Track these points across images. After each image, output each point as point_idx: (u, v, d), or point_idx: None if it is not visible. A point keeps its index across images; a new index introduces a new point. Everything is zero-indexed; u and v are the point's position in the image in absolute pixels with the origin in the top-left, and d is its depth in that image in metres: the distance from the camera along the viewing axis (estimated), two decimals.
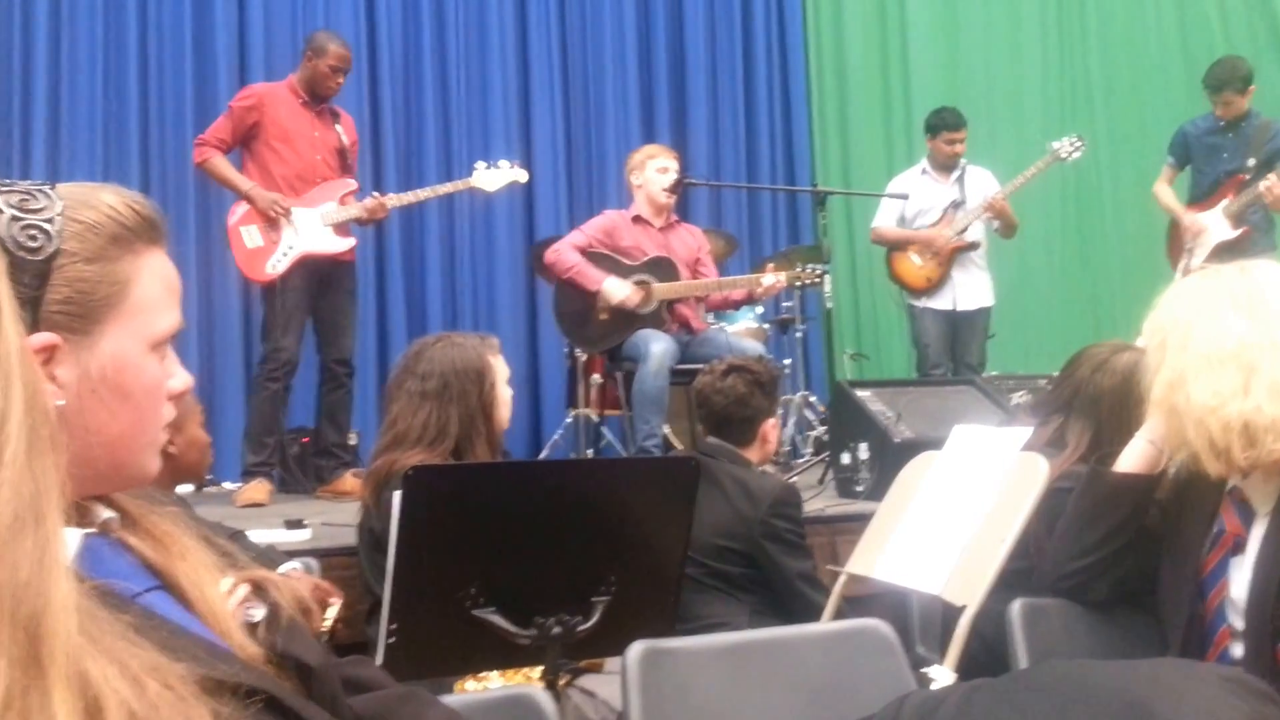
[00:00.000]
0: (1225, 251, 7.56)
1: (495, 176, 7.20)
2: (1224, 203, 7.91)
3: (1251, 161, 7.80)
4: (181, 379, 1.49)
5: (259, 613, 1.51)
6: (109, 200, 1.41)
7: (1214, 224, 7.95)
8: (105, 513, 1.42)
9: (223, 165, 6.79)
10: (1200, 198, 8.15)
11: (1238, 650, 2.56)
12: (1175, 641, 2.67)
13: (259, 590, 1.54)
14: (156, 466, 1.47)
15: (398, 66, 9.50)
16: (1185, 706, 2.01)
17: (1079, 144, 8.27)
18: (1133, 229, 10.30)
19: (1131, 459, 2.87)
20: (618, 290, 7.03)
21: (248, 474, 6.71)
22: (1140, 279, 8.49)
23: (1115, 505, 2.86)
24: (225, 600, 1.48)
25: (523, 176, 7.36)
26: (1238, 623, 2.57)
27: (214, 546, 1.52)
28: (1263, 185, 7.65)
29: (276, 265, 6.65)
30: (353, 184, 7.01)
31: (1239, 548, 2.61)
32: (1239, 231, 7.83)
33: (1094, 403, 3.47)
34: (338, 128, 7.03)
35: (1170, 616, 2.73)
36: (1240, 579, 2.58)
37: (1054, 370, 3.97)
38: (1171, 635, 2.70)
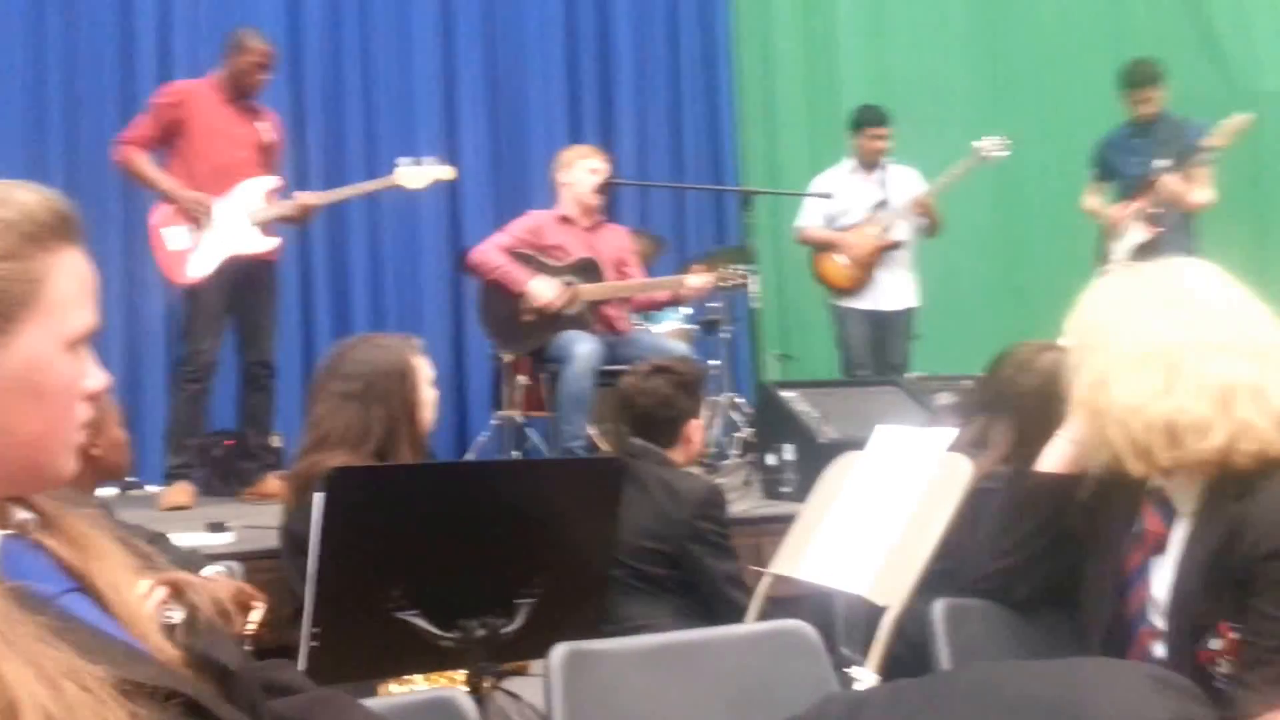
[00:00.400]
0: (1140, 253, 7.63)
1: (420, 174, 7.16)
2: (1137, 206, 7.99)
3: (1162, 163, 7.88)
4: (98, 378, 1.47)
5: (177, 615, 1.50)
6: (23, 197, 1.39)
7: (1130, 229, 8.03)
8: (22, 514, 1.40)
9: (144, 164, 6.73)
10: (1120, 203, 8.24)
11: (1159, 650, 2.57)
12: (1096, 642, 2.68)
13: (177, 592, 1.53)
14: (73, 467, 1.45)
15: (321, 64, 9.43)
16: (1111, 705, 2.02)
17: (1004, 144, 8.31)
18: (1059, 229, 10.32)
19: (1053, 459, 2.88)
20: (544, 290, 7.03)
21: (170, 477, 6.66)
22: (1066, 279, 8.51)
23: (1037, 505, 2.88)
24: (143, 602, 1.46)
25: (448, 173, 7.32)
26: (1159, 623, 2.58)
27: (132, 548, 1.51)
28: (1160, 184, 7.74)
29: (201, 267, 6.59)
30: (276, 181, 6.96)
31: (1160, 548, 2.62)
32: (1150, 234, 7.90)
33: (1017, 403, 3.47)
34: (261, 125, 6.98)
35: (1092, 617, 2.73)
36: (1162, 579, 2.59)
37: (979, 371, 3.98)
38: (1093, 635, 2.70)
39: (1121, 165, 8.25)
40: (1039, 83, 11.57)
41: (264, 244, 6.80)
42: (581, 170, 7.32)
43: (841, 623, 4.16)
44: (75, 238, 1.43)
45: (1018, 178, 11.09)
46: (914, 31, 11.49)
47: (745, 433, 7.96)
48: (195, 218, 6.59)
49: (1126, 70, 8.25)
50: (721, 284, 7.21)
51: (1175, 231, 7.88)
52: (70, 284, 1.40)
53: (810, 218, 8.49)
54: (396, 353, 3.87)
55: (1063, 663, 2.34)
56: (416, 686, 3.44)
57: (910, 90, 10.94)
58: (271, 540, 4.22)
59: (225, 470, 7.21)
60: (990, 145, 8.28)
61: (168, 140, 6.78)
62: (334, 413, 3.77)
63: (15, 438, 1.35)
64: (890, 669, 3.03)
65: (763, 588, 3.81)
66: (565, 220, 7.33)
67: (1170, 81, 8.33)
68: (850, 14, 11.35)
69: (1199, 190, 7.82)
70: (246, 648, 3.01)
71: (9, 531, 1.36)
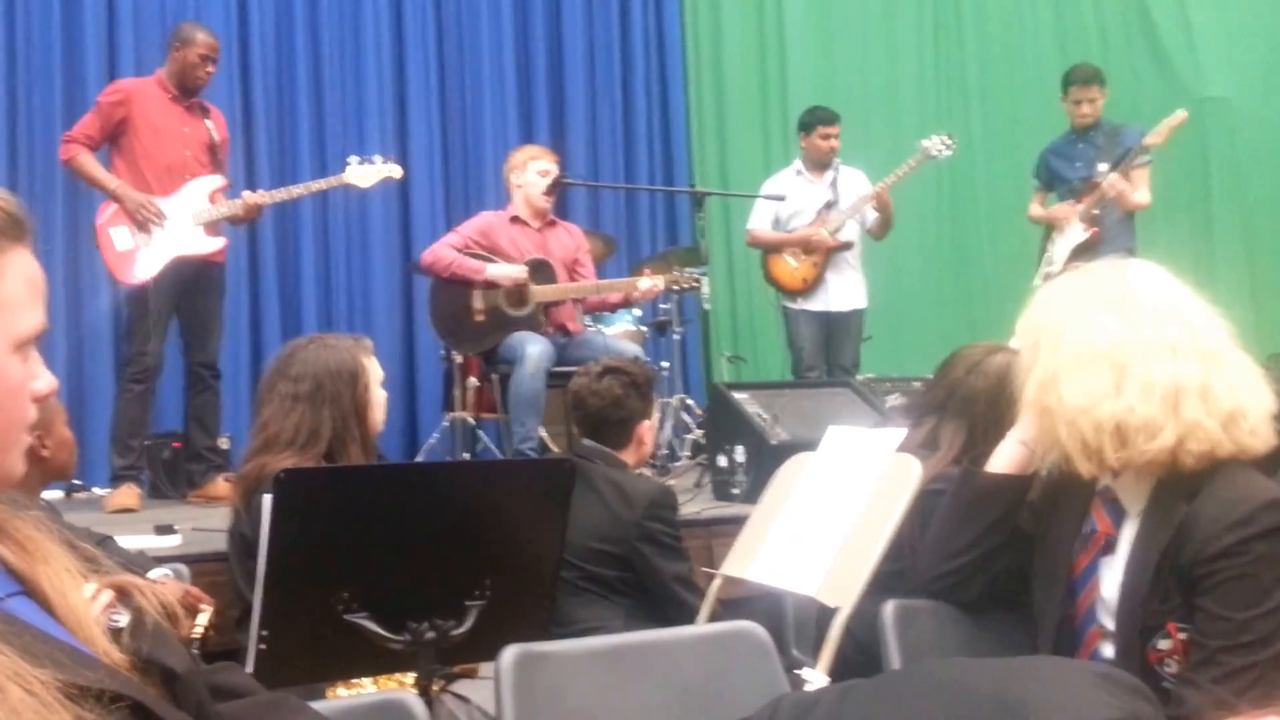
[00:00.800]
0: (1080, 254, 7.68)
1: (369, 172, 7.11)
2: (1080, 208, 8.04)
3: (1104, 166, 7.93)
4: (46, 380, 1.45)
5: (123, 618, 1.48)
6: None
7: (1071, 230, 8.07)
8: None
9: (90, 163, 6.66)
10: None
11: (1108, 650, 2.59)
12: (1046, 642, 2.69)
13: (123, 596, 1.52)
14: (20, 468, 1.43)
15: (270, 60, 9.35)
16: (1059, 703, 2.03)
17: (950, 142, 8.34)
18: (1007, 230, 10.39)
19: (1003, 460, 2.88)
20: (505, 271, 7.02)
21: (116, 479, 6.59)
22: (1014, 280, 8.60)
23: (987, 506, 2.88)
24: (89, 606, 1.45)
25: (396, 172, 7.28)
26: (1108, 623, 2.59)
27: (78, 551, 1.49)
28: (1105, 184, 7.80)
29: (147, 268, 6.54)
30: (223, 181, 6.90)
31: (1110, 548, 2.63)
32: (1089, 234, 7.95)
33: (967, 404, 3.48)
34: (208, 123, 6.92)
35: (1041, 617, 2.75)
36: (1111, 579, 2.60)
37: (929, 372, 3.99)
38: (1042, 636, 2.72)
39: (1064, 172, 8.30)
40: (986, 87, 11.65)
41: (209, 245, 6.74)
42: (532, 172, 7.33)
43: (792, 624, 4.17)
44: (24, 238, 1.41)
45: (964, 180, 11.16)
46: (863, 36, 11.54)
47: (696, 434, 7.95)
48: (141, 219, 6.53)
49: (1080, 69, 8.31)
50: (674, 287, 7.22)
51: (1116, 231, 7.97)
52: (19, 285, 1.38)
53: (760, 220, 8.50)
54: (346, 354, 3.84)
55: (1011, 660, 2.35)
56: (365, 689, 3.42)
57: (859, 92, 11.00)
58: (219, 543, 4.19)
59: (172, 472, 7.16)
60: (936, 144, 8.31)
61: (113, 138, 6.72)
62: (283, 414, 3.75)
63: None
64: (840, 670, 3.03)
65: (714, 589, 3.81)
66: (517, 220, 7.32)
67: (1116, 88, 8.39)
68: (799, 18, 11.38)
69: (1139, 191, 7.89)
70: (194, 651, 2.99)
71: None
